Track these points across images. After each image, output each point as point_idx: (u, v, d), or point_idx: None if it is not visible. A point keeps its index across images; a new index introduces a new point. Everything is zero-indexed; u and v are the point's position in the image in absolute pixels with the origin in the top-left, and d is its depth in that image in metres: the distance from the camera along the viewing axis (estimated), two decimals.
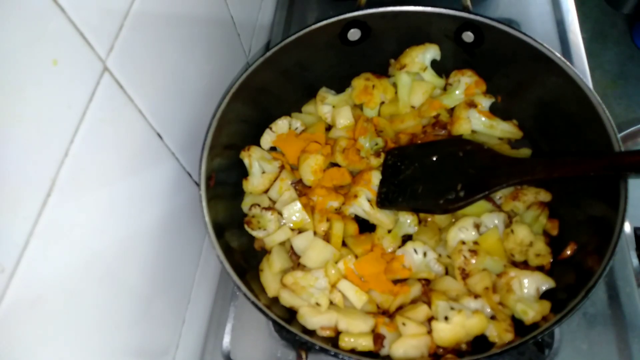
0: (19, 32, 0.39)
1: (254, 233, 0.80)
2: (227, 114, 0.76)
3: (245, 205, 0.85)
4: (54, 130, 0.44)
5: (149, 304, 0.64)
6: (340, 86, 0.95)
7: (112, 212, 0.54)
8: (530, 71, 0.80)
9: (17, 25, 0.38)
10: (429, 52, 0.88)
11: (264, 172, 0.85)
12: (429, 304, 0.72)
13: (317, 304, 0.73)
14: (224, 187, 0.79)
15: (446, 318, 0.68)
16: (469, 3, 0.85)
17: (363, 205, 0.80)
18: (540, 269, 0.73)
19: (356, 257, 0.78)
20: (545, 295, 0.70)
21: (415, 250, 0.77)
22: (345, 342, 0.69)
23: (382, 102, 0.92)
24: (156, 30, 0.61)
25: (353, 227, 0.83)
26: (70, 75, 0.45)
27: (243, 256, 0.76)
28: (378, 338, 0.70)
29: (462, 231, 0.76)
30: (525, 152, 0.86)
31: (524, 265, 0.75)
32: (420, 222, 0.82)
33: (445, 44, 0.87)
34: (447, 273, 0.78)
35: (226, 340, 0.82)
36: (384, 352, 0.70)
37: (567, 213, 0.78)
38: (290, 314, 0.74)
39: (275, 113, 0.90)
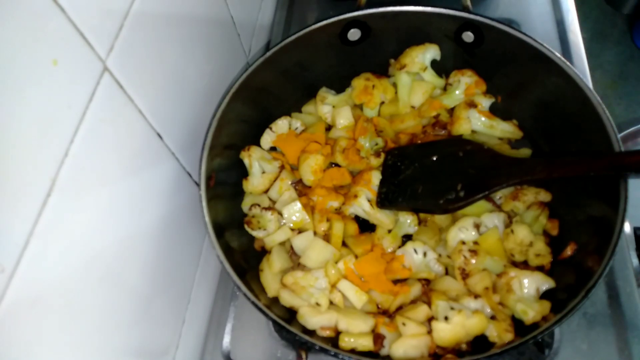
0: (19, 32, 0.39)
1: (254, 233, 0.80)
2: (227, 114, 0.76)
3: (245, 205, 0.85)
4: (54, 130, 0.44)
5: (149, 304, 0.64)
6: (340, 86, 0.95)
7: (112, 212, 0.54)
8: (530, 71, 0.80)
9: (17, 25, 0.38)
10: (429, 52, 0.88)
11: (264, 172, 0.85)
12: (429, 304, 0.72)
13: (317, 304, 0.73)
14: (224, 187, 0.79)
15: (446, 318, 0.68)
16: (469, 3, 0.85)
17: (363, 205, 0.80)
18: (540, 269, 0.73)
19: (356, 257, 0.78)
20: (545, 295, 0.70)
21: (415, 250, 0.77)
22: (345, 342, 0.69)
23: (382, 102, 0.92)
24: (156, 30, 0.61)
25: (353, 227, 0.83)
26: (70, 75, 0.45)
27: (243, 256, 0.76)
28: (378, 338, 0.70)
29: (462, 231, 0.76)
30: (525, 152, 0.86)
31: (524, 265, 0.75)
32: (420, 222, 0.82)
33: (445, 44, 0.87)
34: (447, 273, 0.78)
35: (226, 340, 0.82)
36: (384, 352, 0.70)
37: (567, 213, 0.78)
38: (290, 314, 0.74)
39: (275, 113, 0.90)
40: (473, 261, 0.74)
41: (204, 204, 0.70)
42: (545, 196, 0.80)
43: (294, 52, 0.83)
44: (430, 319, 0.70)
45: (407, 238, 0.81)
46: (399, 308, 0.74)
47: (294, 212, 0.81)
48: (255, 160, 0.84)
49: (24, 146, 0.40)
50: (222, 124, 0.75)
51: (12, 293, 0.39)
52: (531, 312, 0.67)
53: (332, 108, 0.92)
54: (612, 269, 0.81)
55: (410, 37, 0.87)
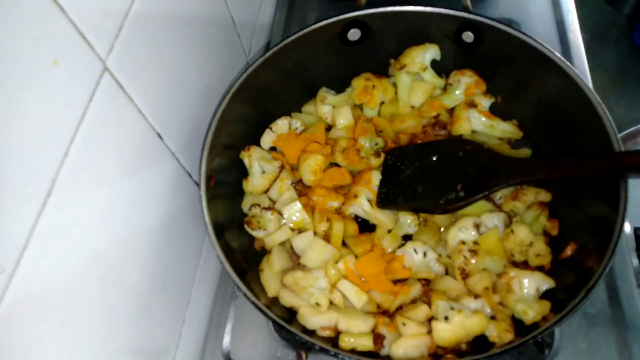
0: (19, 32, 0.39)
1: (254, 233, 0.80)
2: (227, 114, 0.76)
3: (245, 205, 0.85)
4: (54, 130, 0.44)
5: (149, 304, 0.64)
6: (340, 86, 0.95)
7: (112, 212, 0.54)
8: (530, 71, 0.80)
9: (17, 25, 0.38)
10: (429, 52, 0.88)
11: (264, 172, 0.85)
12: (429, 304, 0.72)
13: (317, 304, 0.73)
14: (224, 187, 0.79)
15: (446, 318, 0.68)
16: (469, 3, 0.85)
17: (363, 205, 0.80)
18: (540, 269, 0.73)
19: (356, 257, 0.78)
20: (545, 295, 0.70)
21: (415, 250, 0.77)
22: (345, 342, 0.69)
23: (382, 102, 0.92)
24: (156, 30, 0.61)
25: (353, 227, 0.83)
26: (70, 76, 0.45)
27: (243, 256, 0.76)
28: (378, 338, 0.70)
29: (462, 231, 0.76)
30: (525, 152, 0.86)
31: (524, 265, 0.75)
32: (420, 222, 0.82)
33: (445, 44, 0.87)
34: (447, 273, 0.78)
35: (226, 340, 0.82)
36: (384, 352, 0.70)
37: (567, 213, 0.78)
38: (290, 314, 0.74)
39: (275, 113, 0.90)
40: (473, 261, 0.74)
41: (204, 204, 0.70)
42: (545, 196, 0.80)
43: (294, 52, 0.83)
44: (430, 319, 0.70)
45: (407, 238, 0.81)
46: (399, 308, 0.74)
47: (294, 212, 0.81)
48: (255, 160, 0.84)
49: (24, 146, 0.40)
50: (222, 124, 0.75)
51: (12, 293, 0.39)
52: (531, 312, 0.67)
53: (332, 108, 0.92)
54: (612, 269, 0.81)
55: (410, 37, 0.87)
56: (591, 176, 0.70)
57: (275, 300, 0.75)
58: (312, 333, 0.72)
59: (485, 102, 0.88)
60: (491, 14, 0.84)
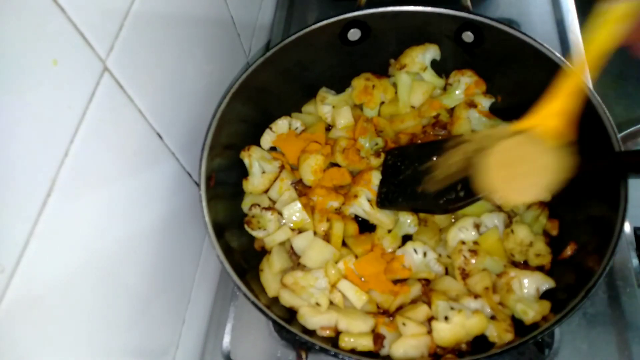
0: (19, 32, 0.39)
1: (254, 233, 0.80)
2: (227, 114, 0.76)
3: (245, 205, 0.85)
4: (54, 130, 0.44)
5: (149, 304, 0.64)
6: (340, 86, 0.95)
7: (112, 212, 0.54)
8: (530, 71, 0.80)
9: (17, 25, 0.38)
10: (429, 52, 0.88)
11: (264, 172, 0.85)
12: (429, 304, 0.72)
13: (317, 304, 0.73)
14: (224, 187, 0.79)
15: (446, 318, 0.68)
16: (469, 3, 0.85)
17: (363, 205, 0.80)
18: (540, 269, 0.73)
19: (356, 257, 0.78)
20: (545, 295, 0.70)
21: (415, 250, 0.77)
22: (345, 342, 0.69)
23: (382, 102, 0.92)
24: (156, 30, 0.61)
25: (353, 227, 0.83)
26: (70, 75, 0.45)
27: (243, 256, 0.76)
28: (378, 338, 0.70)
29: (462, 231, 0.76)
30: None
31: (524, 265, 0.75)
32: (420, 222, 0.82)
33: (445, 44, 0.87)
34: (447, 273, 0.78)
35: (226, 340, 0.82)
36: (384, 352, 0.70)
37: (567, 213, 0.78)
38: (290, 314, 0.74)
39: (275, 113, 0.90)
40: (473, 261, 0.74)
41: (204, 204, 0.70)
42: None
43: (294, 52, 0.83)
44: (430, 319, 0.70)
45: (407, 238, 0.81)
46: (399, 308, 0.74)
47: (294, 212, 0.81)
48: (255, 160, 0.84)
49: (24, 146, 0.40)
50: (222, 124, 0.75)
51: (12, 293, 0.39)
52: (531, 312, 0.67)
53: (332, 108, 0.92)
54: (612, 269, 0.81)
55: (410, 37, 0.87)
56: (591, 176, 0.69)
57: (275, 300, 0.75)
58: (312, 333, 0.72)
59: (485, 102, 0.88)
60: (491, 14, 0.84)
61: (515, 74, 0.84)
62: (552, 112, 0.60)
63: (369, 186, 0.82)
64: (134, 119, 0.58)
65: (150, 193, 0.64)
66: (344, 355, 0.63)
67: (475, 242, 0.76)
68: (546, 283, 0.71)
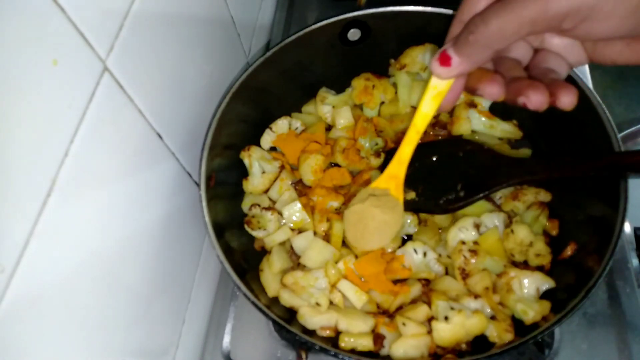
0: (19, 32, 0.39)
1: (254, 233, 0.80)
2: (227, 114, 0.76)
3: (245, 205, 0.85)
4: (54, 130, 0.44)
5: (149, 304, 0.64)
6: (340, 86, 0.95)
7: (112, 212, 0.54)
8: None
9: (17, 25, 0.38)
10: (429, 52, 0.88)
11: (264, 172, 0.85)
12: (429, 304, 0.72)
13: (317, 304, 0.73)
14: (224, 187, 0.79)
15: (446, 318, 0.68)
16: None
17: None
18: (540, 269, 0.73)
19: (356, 257, 0.78)
20: (545, 295, 0.70)
21: (415, 250, 0.77)
22: (345, 342, 0.69)
23: (382, 102, 0.92)
24: (156, 30, 0.61)
25: None
26: (70, 75, 0.45)
27: (243, 256, 0.76)
28: (378, 338, 0.70)
29: (462, 231, 0.76)
30: (525, 152, 0.86)
31: (524, 265, 0.75)
32: (420, 222, 0.82)
33: None
34: (447, 273, 0.78)
35: (226, 340, 0.82)
36: (384, 352, 0.70)
37: (567, 213, 0.78)
38: (290, 314, 0.74)
39: (275, 113, 0.90)
40: (473, 261, 0.74)
41: (204, 204, 0.70)
42: (545, 196, 0.80)
43: (294, 52, 0.83)
44: (430, 319, 0.70)
45: (407, 238, 0.81)
46: (399, 308, 0.74)
47: (294, 212, 0.81)
48: (255, 160, 0.84)
49: (24, 146, 0.40)
50: (222, 124, 0.75)
51: (12, 293, 0.39)
52: (531, 312, 0.67)
53: (332, 108, 0.92)
54: (612, 269, 0.81)
55: (410, 37, 0.87)
56: (591, 176, 0.70)
57: (275, 300, 0.75)
58: (312, 333, 0.72)
59: (485, 102, 0.88)
60: None
61: None
62: (389, 176, 0.71)
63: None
64: (134, 119, 0.58)
65: (150, 193, 0.64)
66: (344, 355, 0.63)
67: (475, 242, 0.76)
68: (546, 283, 0.71)
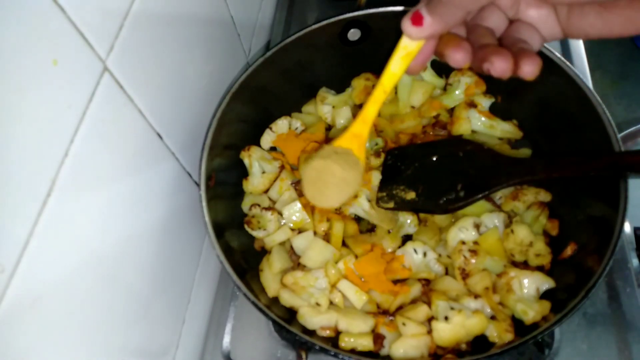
0: (19, 32, 0.39)
1: (254, 233, 0.80)
2: (227, 114, 0.76)
3: (245, 205, 0.85)
4: (54, 130, 0.44)
5: (148, 304, 0.64)
6: (340, 86, 0.95)
7: (112, 212, 0.54)
8: None
9: (17, 25, 0.38)
10: None
11: (264, 172, 0.85)
12: (429, 304, 0.72)
13: (317, 304, 0.73)
14: (224, 187, 0.79)
15: (446, 318, 0.68)
16: None
17: (363, 205, 0.80)
18: (540, 269, 0.73)
19: (356, 257, 0.78)
20: (545, 295, 0.70)
21: (415, 250, 0.77)
22: (345, 342, 0.69)
23: None
24: (156, 30, 0.61)
25: (353, 227, 0.83)
26: (70, 75, 0.45)
27: (243, 256, 0.76)
28: (378, 338, 0.70)
29: (462, 231, 0.76)
30: (525, 152, 0.86)
31: (524, 265, 0.75)
32: (420, 222, 0.82)
33: None
34: (447, 273, 0.78)
35: (226, 340, 0.82)
36: (384, 352, 0.70)
37: (567, 213, 0.78)
38: (290, 314, 0.74)
39: (275, 113, 0.90)
40: (473, 261, 0.74)
41: (204, 204, 0.70)
42: (545, 196, 0.80)
43: (294, 52, 0.83)
44: (430, 319, 0.70)
45: (407, 238, 0.81)
46: (399, 308, 0.74)
47: (294, 212, 0.81)
48: (255, 160, 0.84)
49: (24, 146, 0.40)
50: (222, 124, 0.75)
51: (13, 293, 0.39)
52: (531, 312, 0.67)
53: (332, 108, 0.92)
54: (612, 269, 0.81)
55: None
56: (591, 176, 0.69)
57: (275, 300, 0.75)
58: (312, 333, 0.72)
59: (485, 102, 0.88)
60: None
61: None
62: (352, 134, 0.68)
63: (369, 186, 0.82)
64: (134, 119, 0.58)
65: (150, 193, 0.64)
66: (344, 355, 0.63)
67: (475, 242, 0.76)
68: (546, 283, 0.71)
